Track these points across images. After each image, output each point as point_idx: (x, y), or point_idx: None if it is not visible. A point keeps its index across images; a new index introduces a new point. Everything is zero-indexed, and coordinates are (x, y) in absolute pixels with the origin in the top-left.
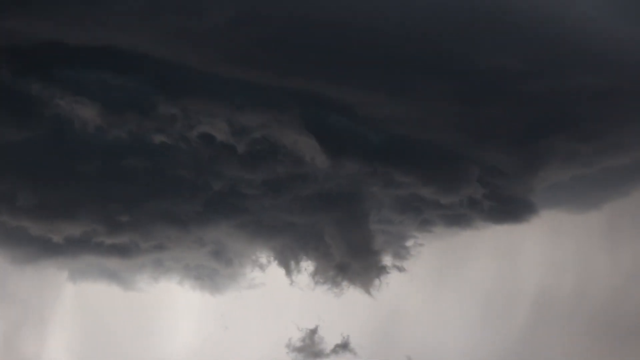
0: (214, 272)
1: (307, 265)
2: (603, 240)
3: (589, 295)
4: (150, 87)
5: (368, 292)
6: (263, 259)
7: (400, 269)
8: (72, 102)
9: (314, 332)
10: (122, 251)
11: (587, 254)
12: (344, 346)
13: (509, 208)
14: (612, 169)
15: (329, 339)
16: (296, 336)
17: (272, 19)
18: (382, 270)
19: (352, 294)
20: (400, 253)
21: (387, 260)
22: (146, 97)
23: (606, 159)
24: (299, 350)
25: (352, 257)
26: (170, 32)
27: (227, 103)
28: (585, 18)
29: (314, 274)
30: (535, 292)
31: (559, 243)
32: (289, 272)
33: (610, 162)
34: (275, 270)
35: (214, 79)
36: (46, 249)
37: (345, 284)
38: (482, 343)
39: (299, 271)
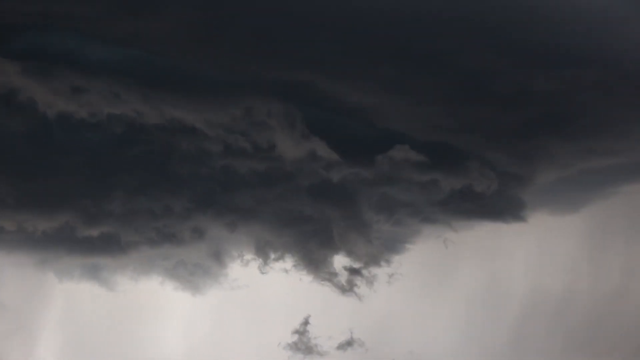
0: (205, 270)
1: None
2: (587, 243)
3: (576, 297)
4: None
5: (355, 291)
6: (249, 257)
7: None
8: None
9: (305, 323)
10: (108, 249)
11: (573, 257)
12: (349, 343)
13: (498, 207)
14: (595, 171)
15: (325, 338)
16: (288, 335)
17: (261, 11)
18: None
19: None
20: (388, 253)
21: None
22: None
23: (590, 160)
24: (294, 348)
25: (353, 255)
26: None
27: (204, 93)
28: (575, 19)
29: (317, 271)
30: (523, 293)
31: (544, 245)
32: (264, 266)
33: (594, 163)
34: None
35: (190, 69)
36: (29, 247)
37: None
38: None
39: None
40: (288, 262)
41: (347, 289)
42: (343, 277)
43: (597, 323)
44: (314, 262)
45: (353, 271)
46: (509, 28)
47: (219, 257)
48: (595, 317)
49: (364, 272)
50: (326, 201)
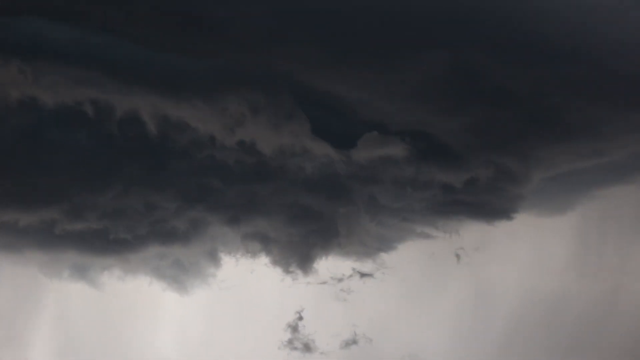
0: (197, 267)
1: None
2: (576, 243)
3: (568, 298)
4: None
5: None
6: (239, 254)
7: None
8: None
9: (299, 318)
10: (98, 248)
11: (562, 258)
12: (353, 341)
13: (486, 207)
14: (583, 171)
15: (321, 335)
16: (281, 331)
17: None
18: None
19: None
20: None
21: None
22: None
23: (577, 161)
24: (290, 346)
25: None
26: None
27: (178, 83)
28: (565, 19)
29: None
30: (514, 294)
31: (533, 245)
32: (253, 264)
33: (582, 164)
34: (260, 269)
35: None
36: (20, 245)
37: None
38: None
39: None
40: (283, 262)
41: (341, 299)
42: (342, 282)
43: (589, 323)
44: (308, 262)
45: (362, 275)
46: (497, 26)
47: (212, 255)
48: (589, 317)
49: (364, 271)
50: (314, 195)
